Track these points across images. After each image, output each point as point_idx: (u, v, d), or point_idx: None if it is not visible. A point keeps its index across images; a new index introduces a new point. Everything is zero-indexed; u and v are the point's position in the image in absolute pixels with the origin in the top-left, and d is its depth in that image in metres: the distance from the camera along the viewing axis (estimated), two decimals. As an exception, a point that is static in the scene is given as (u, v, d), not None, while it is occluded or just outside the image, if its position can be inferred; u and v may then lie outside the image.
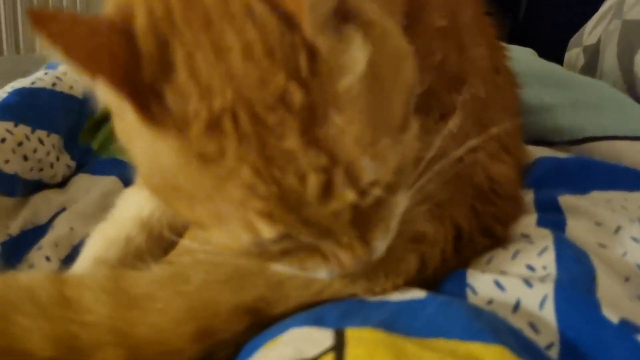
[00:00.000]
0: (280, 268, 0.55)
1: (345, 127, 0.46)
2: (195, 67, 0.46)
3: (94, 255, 0.69)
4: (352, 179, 0.47)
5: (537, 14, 1.76)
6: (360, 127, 0.46)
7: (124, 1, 0.49)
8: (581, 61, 1.48)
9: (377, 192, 0.49)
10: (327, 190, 0.47)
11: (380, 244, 0.53)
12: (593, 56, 1.45)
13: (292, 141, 0.45)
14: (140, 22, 0.47)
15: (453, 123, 0.65)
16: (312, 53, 0.46)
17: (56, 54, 0.43)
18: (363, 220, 0.51)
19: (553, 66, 1.32)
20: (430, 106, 0.67)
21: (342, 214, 0.49)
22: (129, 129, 0.49)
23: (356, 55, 0.47)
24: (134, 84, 0.45)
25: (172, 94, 0.46)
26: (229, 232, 0.49)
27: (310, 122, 0.45)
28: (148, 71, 0.46)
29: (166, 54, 0.46)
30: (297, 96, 0.45)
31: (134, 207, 0.72)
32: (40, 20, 0.43)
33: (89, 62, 0.44)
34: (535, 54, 1.45)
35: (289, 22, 0.45)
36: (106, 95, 0.46)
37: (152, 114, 0.46)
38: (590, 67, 1.45)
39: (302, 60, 0.45)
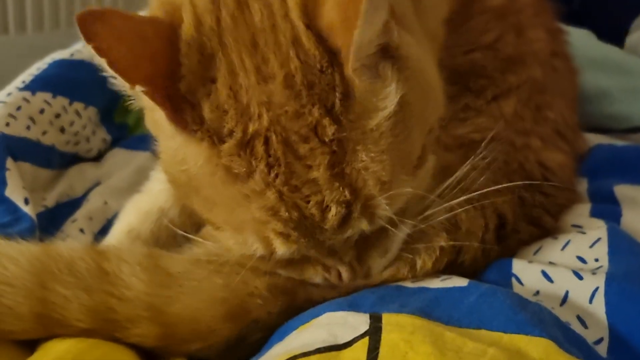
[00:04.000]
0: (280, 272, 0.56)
1: (369, 165, 0.48)
2: (236, 88, 0.48)
3: (128, 227, 0.69)
4: (369, 212, 0.49)
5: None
6: (382, 166, 0.48)
7: (170, 5, 0.50)
8: None
9: (382, 221, 0.50)
10: (344, 221, 0.49)
11: (376, 265, 0.56)
12: (656, 42, 1.36)
13: (319, 173, 0.47)
14: (187, 31, 0.49)
15: (507, 106, 0.63)
16: (347, 92, 0.47)
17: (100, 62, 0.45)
18: (364, 242, 0.53)
19: (612, 50, 1.26)
20: (483, 86, 0.64)
21: (351, 239, 0.51)
22: (160, 124, 0.51)
23: (388, 95, 0.48)
24: (170, 92, 0.47)
25: (209, 107, 0.48)
26: (242, 240, 0.51)
27: (339, 156, 0.47)
28: (187, 82, 0.48)
29: (209, 69, 0.48)
30: (329, 130, 0.47)
31: None
32: (88, 29, 0.44)
33: (130, 73, 0.46)
34: (594, 36, 1.38)
35: (331, 58, 0.47)
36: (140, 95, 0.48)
37: (185, 121, 0.47)
38: (653, 53, 1.37)
39: (337, 98, 0.47)
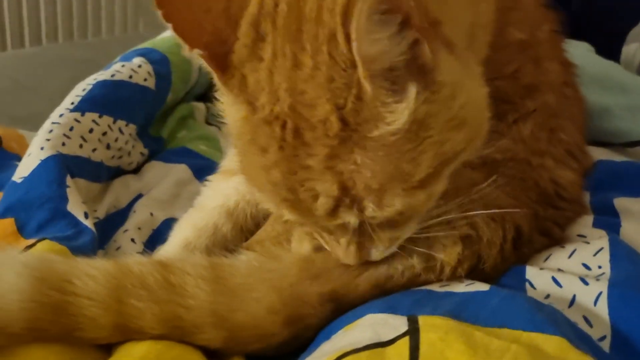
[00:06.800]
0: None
1: (361, 169, 0.53)
2: (274, 69, 0.54)
3: (184, 241, 0.76)
4: (356, 209, 0.55)
5: (593, 2, 1.71)
6: (373, 174, 0.53)
7: None
8: (639, 58, 1.44)
9: (378, 220, 0.57)
10: (333, 212, 0.55)
11: (375, 254, 0.61)
12: (652, 53, 1.39)
13: (315, 162, 0.53)
14: (250, 12, 0.56)
15: (525, 129, 0.70)
16: (360, 95, 0.52)
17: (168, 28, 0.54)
18: (370, 236, 0.59)
19: (611, 66, 1.32)
20: (505, 111, 0.72)
21: (347, 227, 0.58)
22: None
23: (400, 113, 0.52)
24: (224, 60, 0.55)
25: (252, 81, 0.55)
26: (261, 198, 0.59)
27: (337, 152, 0.53)
28: (239, 55, 0.56)
29: (259, 48, 0.55)
30: (334, 126, 0.52)
31: (220, 196, 0.79)
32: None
33: (189, 40, 0.54)
34: (592, 49, 1.42)
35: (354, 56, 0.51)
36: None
37: (232, 85, 0.56)
38: (649, 65, 1.40)
39: (350, 98, 0.52)
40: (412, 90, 0.52)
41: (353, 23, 0.47)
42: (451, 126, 0.55)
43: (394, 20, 0.49)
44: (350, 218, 0.56)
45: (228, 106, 0.59)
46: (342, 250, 0.60)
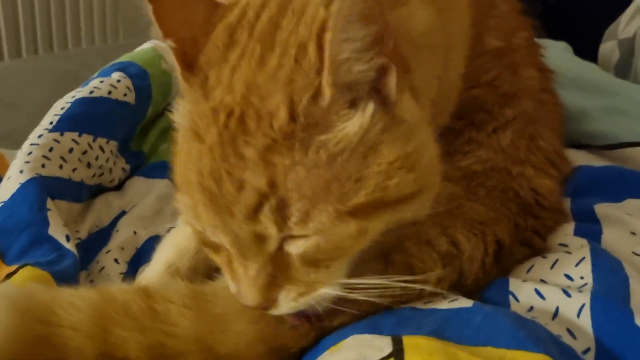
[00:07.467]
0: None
1: (298, 170, 0.51)
2: (237, 68, 0.54)
3: (167, 263, 0.75)
4: (279, 215, 0.52)
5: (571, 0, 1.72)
6: (308, 178, 0.52)
7: None
8: (616, 56, 1.45)
9: (298, 248, 0.54)
10: (254, 211, 0.53)
11: (285, 301, 0.57)
12: (629, 51, 1.41)
13: (251, 152, 0.52)
14: (229, 20, 0.57)
15: (505, 138, 0.70)
16: (316, 96, 0.52)
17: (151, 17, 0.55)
18: (284, 271, 0.56)
19: (588, 67, 1.32)
20: (484, 120, 0.72)
21: (262, 242, 0.54)
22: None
23: (351, 124, 0.52)
24: (191, 58, 0.56)
25: (214, 77, 0.55)
26: (187, 203, 0.57)
27: (276, 146, 0.52)
28: (207, 56, 0.56)
29: (228, 52, 0.56)
30: (282, 119, 0.51)
31: None
32: None
33: (166, 28, 0.55)
34: (570, 49, 1.43)
35: (322, 67, 0.51)
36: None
37: (193, 82, 0.56)
38: (626, 63, 1.42)
39: (306, 96, 0.52)
40: (370, 107, 0.53)
41: (330, 22, 0.48)
42: (402, 165, 0.54)
43: (369, 33, 0.50)
44: (270, 226, 0.52)
45: (182, 105, 0.58)
46: (247, 281, 0.55)
